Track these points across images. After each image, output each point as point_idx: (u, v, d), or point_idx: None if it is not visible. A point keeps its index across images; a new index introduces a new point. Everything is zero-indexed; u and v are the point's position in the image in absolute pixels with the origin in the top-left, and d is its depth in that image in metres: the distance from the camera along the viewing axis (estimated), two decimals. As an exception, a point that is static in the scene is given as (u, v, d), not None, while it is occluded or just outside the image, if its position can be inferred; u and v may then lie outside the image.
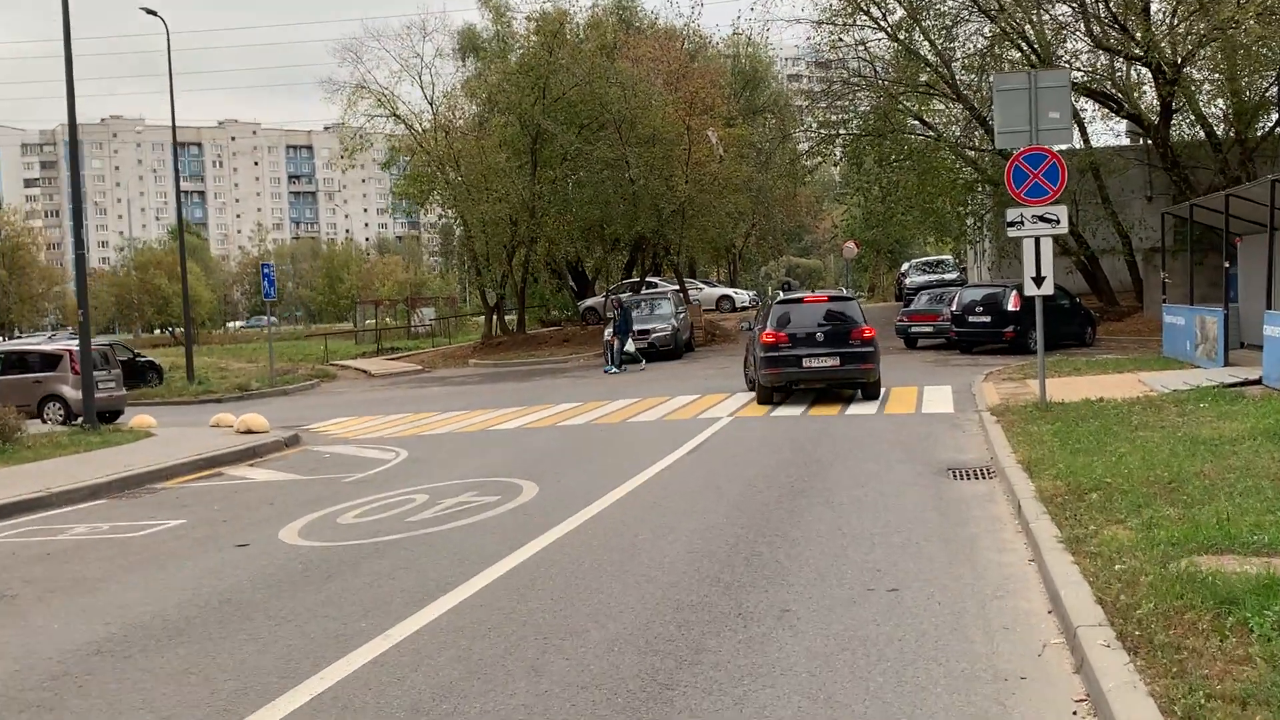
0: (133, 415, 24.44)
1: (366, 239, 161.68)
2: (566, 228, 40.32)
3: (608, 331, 31.19)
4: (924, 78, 35.54)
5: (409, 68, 40.81)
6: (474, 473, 13.65)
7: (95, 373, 24.62)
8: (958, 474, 11.73)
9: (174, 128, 35.48)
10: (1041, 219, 15.73)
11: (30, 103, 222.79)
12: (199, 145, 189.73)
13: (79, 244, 19.94)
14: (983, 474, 11.70)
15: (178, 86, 49.51)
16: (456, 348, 43.81)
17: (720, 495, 11.09)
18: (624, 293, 38.66)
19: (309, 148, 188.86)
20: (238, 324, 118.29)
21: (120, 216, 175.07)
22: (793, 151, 40.93)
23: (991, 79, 24.83)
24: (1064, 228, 16.00)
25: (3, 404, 23.39)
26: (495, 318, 44.54)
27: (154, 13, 33.95)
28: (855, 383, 19.31)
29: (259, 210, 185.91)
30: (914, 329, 31.34)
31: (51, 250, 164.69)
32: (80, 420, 20.01)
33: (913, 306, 33.03)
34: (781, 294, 23.33)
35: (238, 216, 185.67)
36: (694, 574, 7.96)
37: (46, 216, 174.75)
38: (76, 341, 33.29)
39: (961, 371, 23.40)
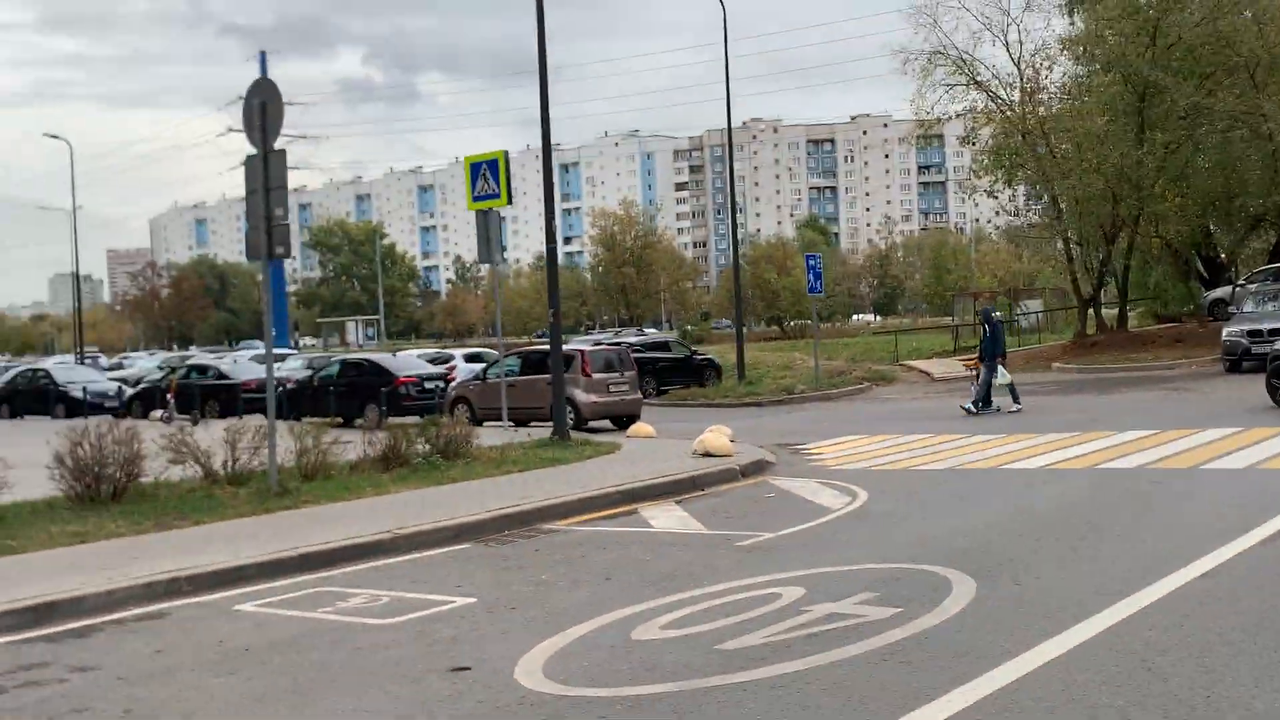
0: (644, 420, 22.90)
1: (997, 227, 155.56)
2: (1182, 203, 32.99)
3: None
4: None
5: (992, 25, 35.75)
6: (910, 549, 9.33)
7: (607, 375, 23.41)
8: None
9: (729, 129, 33.76)
10: None
11: (688, 109, 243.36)
12: (831, 141, 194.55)
13: (549, 237, 18.11)
14: None
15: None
16: (1045, 347, 38.01)
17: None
18: (1256, 281, 30.63)
19: (939, 136, 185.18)
20: (860, 317, 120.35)
21: (758, 214, 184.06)
22: None
23: None
24: None
25: (520, 404, 22.86)
26: (1090, 312, 38.19)
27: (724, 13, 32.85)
28: None
29: (888, 203, 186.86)
30: None
31: (698, 248, 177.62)
32: (552, 431, 18.27)
33: None
34: None
35: (867, 210, 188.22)
36: None
37: (694, 218, 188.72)
38: (628, 339, 32.89)
39: None
